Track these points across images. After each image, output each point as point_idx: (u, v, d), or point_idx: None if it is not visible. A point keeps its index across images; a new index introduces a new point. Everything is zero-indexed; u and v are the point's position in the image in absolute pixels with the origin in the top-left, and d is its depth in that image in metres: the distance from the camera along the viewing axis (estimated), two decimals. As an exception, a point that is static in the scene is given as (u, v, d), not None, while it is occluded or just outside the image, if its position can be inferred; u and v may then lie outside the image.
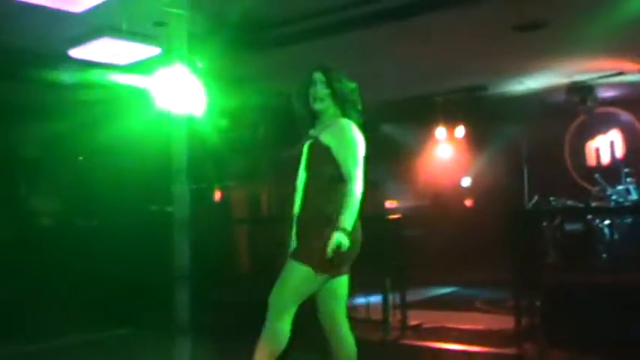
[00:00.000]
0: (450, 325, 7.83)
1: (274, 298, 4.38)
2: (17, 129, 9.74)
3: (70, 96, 8.95)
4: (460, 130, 12.60)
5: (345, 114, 4.63)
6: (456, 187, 13.74)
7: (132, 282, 9.05)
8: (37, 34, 7.32)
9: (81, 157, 11.10)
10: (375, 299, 7.93)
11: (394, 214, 9.67)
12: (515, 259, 7.11)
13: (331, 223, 4.26)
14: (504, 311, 7.85)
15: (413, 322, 7.77)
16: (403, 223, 8.39)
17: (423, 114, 12.36)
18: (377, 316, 7.76)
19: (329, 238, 4.20)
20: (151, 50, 7.37)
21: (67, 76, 8.29)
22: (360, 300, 8.03)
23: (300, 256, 4.34)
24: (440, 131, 12.71)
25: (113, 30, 7.00)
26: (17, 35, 7.36)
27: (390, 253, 7.80)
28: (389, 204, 12.93)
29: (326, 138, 4.45)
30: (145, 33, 7.12)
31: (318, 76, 4.69)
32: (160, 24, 6.88)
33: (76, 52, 7.56)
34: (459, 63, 9.27)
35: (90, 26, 6.99)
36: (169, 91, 6.29)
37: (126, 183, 10.08)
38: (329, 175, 4.43)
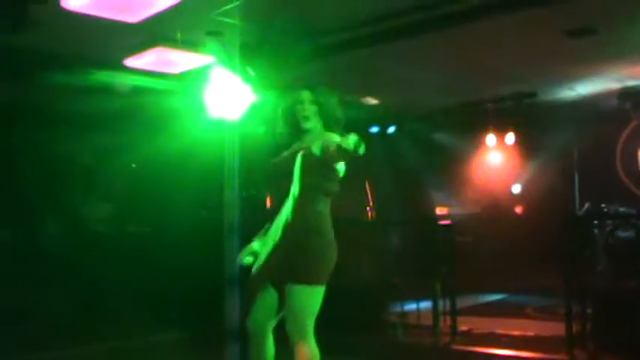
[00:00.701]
0: (500, 331, 7.84)
1: (298, 324, 4.30)
2: (73, 137, 9.92)
3: (124, 104, 9.09)
4: (510, 137, 12.55)
5: (328, 129, 4.58)
6: (506, 194, 13.68)
7: (183, 287, 9.16)
8: (94, 43, 7.47)
9: (134, 165, 11.25)
10: (426, 305, 7.96)
11: (445, 220, 9.69)
12: (566, 266, 7.09)
13: (319, 235, 4.32)
14: (555, 318, 7.85)
15: (463, 328, 7.79)
16: (454, 230, 8.41)
17: (473, 121, 12.33)
18: (427, 321, 7.79)
19: (319, 250, 4.28)
20: (204, 59, 7.49)
21: (122, 85, 8.46)
22: (411, 306, 8.07)
23: (310, 278, 4.28)
24: (490, 138, 12.67)
25: (167, 40, 7.12)
26: (75, 45, 7.52)
27: (440, 259, 7.83)
28: (439, 211, 12.93)
29: (316, 149, 4.31)
30: (199, 42, 7.23)
31: (305, 94, 4.65)
32: (213, 33, 7.00)
33: (131, 62, 7.71)
34: (509, 69, 9.24)
35: (145, 36, 7.13)
36: (222, 99, 6.41)
37: (178, 190, 10.20)
38: (319, 187, 4.41)
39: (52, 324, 8.45)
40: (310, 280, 4.27)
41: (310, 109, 4.63)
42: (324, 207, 4.42)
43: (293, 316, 4.30)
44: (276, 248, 4.37)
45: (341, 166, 4.42)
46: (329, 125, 4.62)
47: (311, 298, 4.29)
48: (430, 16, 7.02)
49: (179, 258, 9.49)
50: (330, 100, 4.73)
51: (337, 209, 4.49)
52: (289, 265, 4.28)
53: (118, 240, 10.74)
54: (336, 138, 4.24)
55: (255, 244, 4.62)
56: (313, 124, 4.61)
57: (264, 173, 4.80)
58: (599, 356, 6.44)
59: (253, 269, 4.47)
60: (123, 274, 9.58)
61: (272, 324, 4.50)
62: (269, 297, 4.45)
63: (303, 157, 4.37)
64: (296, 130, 4.66)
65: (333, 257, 4.36)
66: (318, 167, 4.35)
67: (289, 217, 4.35)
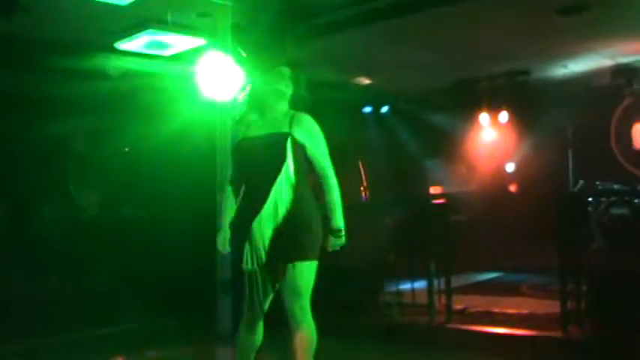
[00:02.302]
0: (495, 310, 7.87)
1: (303, 305, 4.46)
2: (65, 121, 9.87)
3: (116, 88, 9.06)
4: (504, 115, 12.53)
5: (295, 108, 4.67)
6: (500, 173, 13.67)
7: (177, 272, 9.16)
8: (84, 27, 7.43)
9: (127, 149, 11.22)
10: (420, 284, 7.98)
11: (439, 199, 9.67)
12: (560, 244, 7.10)
13: (314, 213, 4.51)
14: (550, 296, 7.86)
15: (458, 307, 7.82)
16: (448, 209, 8.42)
17: (466, 100, 12.31)
18: (422, 300, 7.80)
19: (317, 227, 4.48)
20: (195, 41, 7.46)
21: (113, 69, 8.42)
22: (406, 285, 8.08)
23: (314, 253, 4.46)
24: (484, 117, 12.66)
25: (158, 22, 7.09)
26: (64, 28, 7.48)
27: (434, 238, 7.83)
28: (433, 190, 12.93)
29: (300, 136, 4.48)
30: (190, 24, 7.20)
31: (286, 71, 4.68)
32: (204, 15, 6.97)
33: (122, 45, 7.67)
34: (502, 47, 9.23)
35: (136, 19, 7.09)
36: (214, 81, 6.39)
37: (172, 173, 10.17)
38: (300, 172, 4.49)
39: (46, 310, 8.43)
40: (314, 256, 4.47)
41: (289, 87, 4.67)
42: (300, 190, 4.49)
43: (298, 296, 4.44)
44: (278, 233, 4.42)
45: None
46: (297, 105, 4.69)
47: (312, 274, 4.47)
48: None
49: (174, 242, 9.48)
50: (301, 79, 4.78)
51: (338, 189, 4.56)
52: (294, 245, 4.40)
53: (112, 224, 10.73)
54: (311, 123, 4.52)
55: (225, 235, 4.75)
56: (285, 102, 4.67)
57: (233, 153, 4.77)
58: (594, 333, 6.45)
59: (251, 259, 4.49)
60: (116, 258, 9.58)
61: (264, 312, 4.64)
62: (266, 284, 4.52)
63: (292, 143, 4.45)
64: (262, 106, 4.67)
65: (334, 246, 4.63)
66: (303, 152, 4.50)
67: (286, 201, 4.41)
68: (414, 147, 12.93)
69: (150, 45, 7.60)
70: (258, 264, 4.46)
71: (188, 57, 7.72)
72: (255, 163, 4.53)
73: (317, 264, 4.48)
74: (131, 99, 9.67)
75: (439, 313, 7.64)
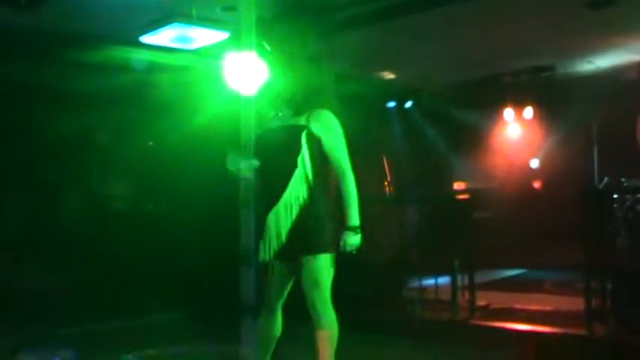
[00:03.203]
0: (518, 306, 7.83)
1: (323, 297, 4.47)
2: (90, 115, 9.92)
3: (141, 81, 9.09)
4: (529, 111, 12.47)
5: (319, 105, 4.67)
6: (524, 169, 13.61)
7: (199, 265, 9.19)
8: (109, 20, 7.46)
9: (151, 142, 11.25)
10: (444, 280, 7.95)
11: (463, 195, 9.64)
12: (585, 241, 7.05)
13: (331, 207, 4.52)
14: (574, 293, 7.81)
15: (481, 303, 7.78)
16: (472, 205, 8.39)
17: (491, 95, 12.26)
18: (445, 296, 7.78)
19: (336, 220, 4.49)
20: (220, 35, 7.46)
21: (138, 62, 8.45)
22: (429, 281, 8.07)
23: (319, 248, 4.44)
24: (508, 112, 12.60)
25: (183, 16, 7.10)
26: (90, 22, 7.51)
27: (458, 234, 7.80)
28: (457, 185, 12.88)
29: (316, 129, 4.51)
30: (214, 18, 7.20)
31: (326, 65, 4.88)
32: (228, 9, 6.97)
33: (147, 39, 7.69)
34: (527, 42, 9.18)
35: (160, 12, 7.11)
36: (238, 75, 6.38)
37: (195, 167, 10.19)
38: (317, 165, 4.51)
39: (70, 300, 8.50)
40: (330, 249, 4.48)
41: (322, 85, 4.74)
42: (313, 184, 4.50)
43: (316, 288, 4.46)
44: (294, 226, 4.44)
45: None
46: (324, 100, 4.69)
47: (329, 266, 4.48)
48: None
49: (195, 236, 9.51)
50: (330, 74, 4.83)
51: (355, 185, 4.54)
52: (310, 238, 4.43)
53: (134, 218, 10.78)
54: (328, 117, 4.57)
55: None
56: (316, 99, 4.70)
57: (255, 145, 4.76)
58: (619, 331, 6.41)
59: (264, 250, 4.54)
60: (137, 252, 9.62)
61: (282, 302, 4.70)
62: (282, 276, 4.57)
63: (308, 136, 4.49)
64: (285, 100, 4.74)
65: (350, 245, 4.55)
66: (319, 146, 4.52)
67: (302, 194, 4.44)
68: (438, 142, 12.90)
69: (175, 39, 7.61)
70: (271, 255, 4.50)
71: (213, 51, 7.73)
72: (271, 155, 4.57)
73: (333, 257, 4.49)
74: (156, 93, 9.69)
75: (462, 309, 7.61)
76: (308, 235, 4.43)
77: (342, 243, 4.47)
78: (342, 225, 4.53)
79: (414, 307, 7.95)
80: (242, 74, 6.29)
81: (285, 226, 4.44)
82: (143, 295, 8.99)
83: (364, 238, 4.57)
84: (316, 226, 4.44)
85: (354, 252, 4.48)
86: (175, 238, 9.77)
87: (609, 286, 6.78)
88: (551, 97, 11.86)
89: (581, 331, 6.55)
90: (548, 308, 7.73)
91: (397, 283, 8.40)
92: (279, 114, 4.70)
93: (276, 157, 4.54)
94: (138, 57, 8.32)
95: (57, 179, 10.10)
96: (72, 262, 9.30)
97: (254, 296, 6.12)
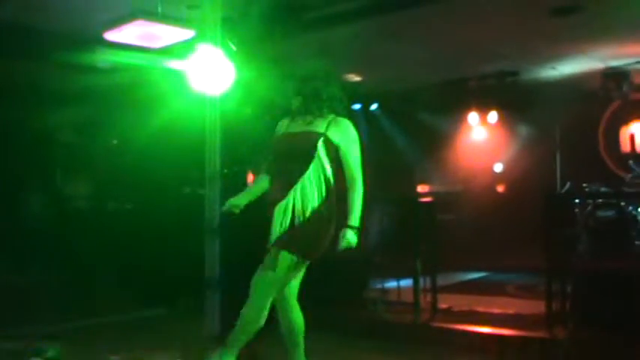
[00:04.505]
0: (480, 309, 7.87)
1: (260, 285, 4.57)
2: (53, 113, 9.83)
3: (105, 79, 9.02)
4: (493, 116, 12.56)
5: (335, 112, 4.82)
6: (488, 173, 13.70)
7: (164, 264, 9.14)
8: (73, 17, 7.39)
9: (115, 141, 11.18)
10: (406, 283, 7.97)
11: (427, 198, 9.68)
12: (547, 245, 7.11)
13: (320, 217, 4.59)
14: (535, 296, 7.87)
15: (443, 306, 7.81)
16: (435, 208, 8.42)
17: (456, 99, 12.32)
18: (408, 299, 7.80)
19: (319, 229, 4.59)
20: (185, 33, 7.41)
21: (102, 60, 8.37)
22: (392, 283, 8.08)
23: (290, 245, 4.55)
24: (473, 116, 12.68)
25: (148, 13, 7.04)
26: (53, 19, 7.45)
27: (421, 237, 7.82)
28: (421, 188, 12.93)
29: (334, 136, 4.66)
30: (180, 16, 7.16)
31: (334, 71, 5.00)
32: (194, 7, 6.94)
33: (111, 36, 7.61)
34: (493, 47, 9.24)
35: (125, 9, 7.05)
36: (203, 74, 6.35)
37: (160, 166, 10.14)
38: (328, 171, 4.65)
39: (33, 300, 8.40)
40: (287, 246, 4.60)
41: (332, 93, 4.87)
42: (323, 190, 4.66)
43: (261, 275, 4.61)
44: (290, 223, 4.59)
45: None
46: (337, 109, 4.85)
47: (281, 261, 4.59)
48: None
49: (160, 235, 9.45)
50: (336, 79, 4.98)
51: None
52: (296, 238, 4.58)
53: (98, 217, 10.70)
54: (347, 127, 4.74)
55: (243, 199, 4.87)
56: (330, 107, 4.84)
57: (270, 144, 4.95)
58: (579, 333, 6.47)
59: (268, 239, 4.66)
60: (103, 250, 9.54)
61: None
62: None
63: (326, 143, 4.64)
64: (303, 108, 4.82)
65: (346, 242, 4.66)
66: (336, 153, 4.68)
67: (308, 197, 4.57)
68: (403, 145, 12.95)
69: (139, 37, 7.54)
70: (269, 245, 4.61)
71: (178, 50, 7.68)
72: (285, 156, 4.72)
73: (293, 259, 4.58)
74: (120, 91, 9.63)
75: (424, 311, 7.63)
76: (294, 234, 4.56)
77: (340, 238, 4.57)
78: (337, 231, 4.66)
79: (376, 308, 7.95)
80: (207, 73, 6.28)
81: (283, 221, 4.57)
82: (104, 294, 8.91)
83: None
84: (305, 230, 4.56)
85: (349, 249, 4.58)
86: (139, 236, 9.70)
87: (570, 289, 6.84)
88: (516, 101, 11.95)
89: (542, 334, 6.59)
90: (510, 311, 7.78)
91: (360, 284, 8.40)
92: (298, 119, 4.82)
93: (289, 158, 4.69)
94: (102, 55, 8.24)
95: (19, 178, 10.00)
96: (34, 262, 9.20)
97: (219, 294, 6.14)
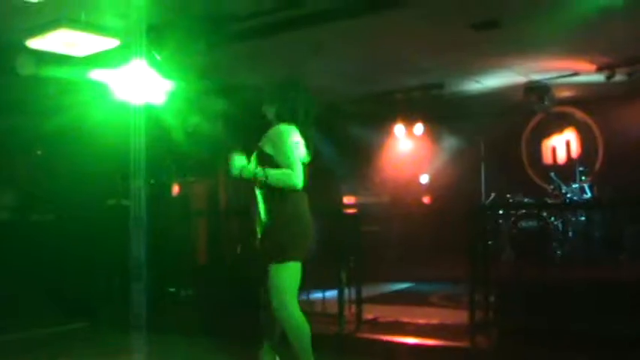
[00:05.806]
0: (405, 320, 7.89)
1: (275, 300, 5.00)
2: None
3: (28, 88, 8.85)
4: (419, 128, 12.70)
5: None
6: (414, 184, 13.83)
7: (87, 276, 9.00)
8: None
9: (39, 151, 10.98)
10: (331, 294, 7.97)
11: (352, 209, 9.72)
12: (471, 255, 7.19)
13: (285, 224, 4.92)
14: (459, 306, 7.94)
15: (368, 317, 7.82)
16: (360, 219, 8.44)
17: (382, 111, 12.42)
18: (333, 310, 7.79)
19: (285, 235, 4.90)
20: (109, 42, 7.32)
21: (24, 68, 8.21)
22: (317, 294, 8.07)
23: (277, 256, 4.90)
24: (399, 128, 12.80)
25: (71, 21, 6.94)
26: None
27: (346, 248, 7.83)
28: (347, 199, 12.98)
29: (267, 148, 4.94)
30: (104, 25, 7.08)
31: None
32: (119, 15, 6.86)
33: (34, 43, 7.48)
34: (417, 60, 9.35)
35: (49, 17, 6.93)
36: (128, 84, 6.29)
37: (84, 177, 9.99)
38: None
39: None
40: (276, 259, 5.00)
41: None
42: (277, 199, 4.99)
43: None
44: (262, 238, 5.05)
45: None
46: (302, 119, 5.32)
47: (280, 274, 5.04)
48: (337, 7, 7.06)
49: (83, 247, 9.31)
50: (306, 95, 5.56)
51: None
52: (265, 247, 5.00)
53: (20, 228, 10.48)
54: (274, 133, 5.02)
55: None
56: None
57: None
58: (501, 342, 6.55)
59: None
60: (25, 263, 9.35)
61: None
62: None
63: (260, 156, 4.95)
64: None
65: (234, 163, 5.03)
66: (270, 163, 4.93)
67: (263, 209, 4.94)
68: (329, 156, 12.99)
69: (63, 44, 7.43)
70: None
71: (103, 58, 7.58)
72: None
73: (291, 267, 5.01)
74: (44, 100, 9.46)
75: (349, 323, 7.63)
76: (263, 244, 4.98)
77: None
78: (295, 237, 4.99)
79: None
80: (132, 83, 6.21)
81: (258, 237, 5.03)
82: (25, 307, 8.73)
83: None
84: (274, 239, 4.91)
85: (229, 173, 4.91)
86: (62, 248, 9.53)
87: (493, 298, 6.93)
88: (441, 114, 12.11)
89: (465, 343, 6.66)
90: (434, 321, 7.82)
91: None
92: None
93: None
94: (25, 62, 8.09)
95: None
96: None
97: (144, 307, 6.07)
